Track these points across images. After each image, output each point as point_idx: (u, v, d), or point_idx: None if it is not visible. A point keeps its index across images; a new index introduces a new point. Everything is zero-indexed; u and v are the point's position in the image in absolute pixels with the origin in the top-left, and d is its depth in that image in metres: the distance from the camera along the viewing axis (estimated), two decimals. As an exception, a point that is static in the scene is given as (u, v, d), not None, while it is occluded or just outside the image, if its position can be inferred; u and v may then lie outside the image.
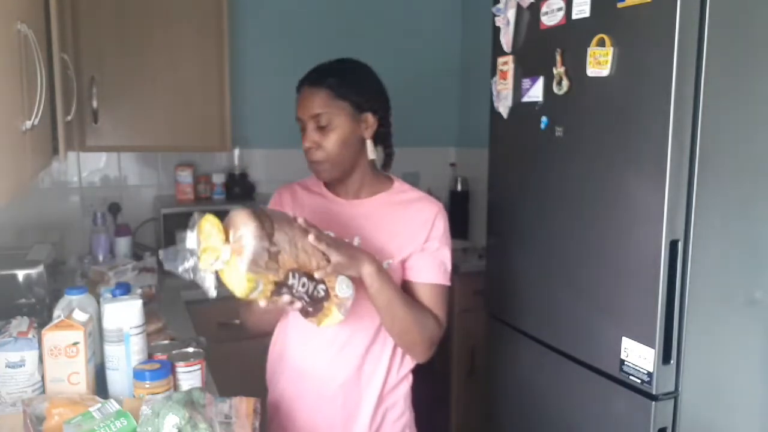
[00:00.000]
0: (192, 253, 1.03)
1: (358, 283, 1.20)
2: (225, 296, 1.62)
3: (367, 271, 1.20)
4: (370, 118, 1.31)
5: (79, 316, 1.20)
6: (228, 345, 2.13)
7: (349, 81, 1.31)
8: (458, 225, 3.15)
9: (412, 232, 1.34)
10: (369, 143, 1.33)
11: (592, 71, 1.53)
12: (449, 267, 1.36)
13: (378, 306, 1.25)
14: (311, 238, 1.10)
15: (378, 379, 1.36)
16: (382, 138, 1.37)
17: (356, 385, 1.35)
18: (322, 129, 1.28)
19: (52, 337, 1.15)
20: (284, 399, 1.41)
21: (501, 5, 1.85)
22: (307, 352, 1.37)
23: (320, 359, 1.36)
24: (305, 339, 1.38)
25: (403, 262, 1.33)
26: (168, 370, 1.17)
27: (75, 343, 1.16)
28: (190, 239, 1.04)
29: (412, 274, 1.34)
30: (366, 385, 1.36)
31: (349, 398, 1.35)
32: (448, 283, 1.36)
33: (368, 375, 1.35)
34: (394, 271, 1.32)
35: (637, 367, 1.47)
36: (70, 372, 1.16)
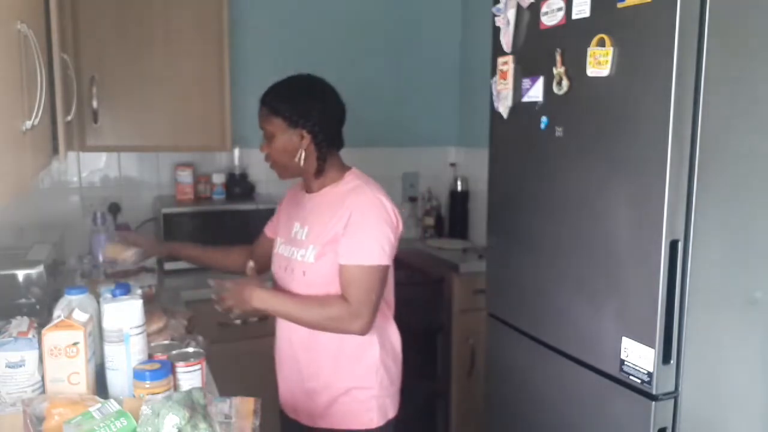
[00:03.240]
0: None
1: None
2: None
3: (256, 302, 1.49)
4: (304, 134, 1.51)
5: (79, 316, 1.20)
6: (228, 345, 2.13)
7: (283, 100, 1.52)
8: (458, 225, 3.16)
9: (336, 220, 1.50)
10: (300, 153, 1.52)
11: (592, 71, 1.53)
12: (373, 247, 1.47)
13: (282, 318, 1.56)
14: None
15: (333, 344, 1.53)
16: (318, 148, 1.53)
17: (313, 348, 1.56)
18: (268, 140, 1.55)
19: (52, 337, 1.15)
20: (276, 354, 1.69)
21: (501, 5, 1.85)
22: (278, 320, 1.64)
23: (282, 324, 1.62)
24: None
25: (331, 246, 1.50)
26: (168, 370, 1.17)
27: (75, 343, 1.16)
28: None
29: (338, 259, 1.49)
30: (323, 349, 1.55)
31: (309, 361, 1.57)
32: (365, 262, 1.46)
33: (324, 341, 1.54)
34: (321, 256, 1.51)
35: (637, 367, 1.47)
36: (70, 372, 1.16)
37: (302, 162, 1.53)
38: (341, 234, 1.49)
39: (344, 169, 1.60)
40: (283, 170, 1.58)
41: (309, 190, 1.61)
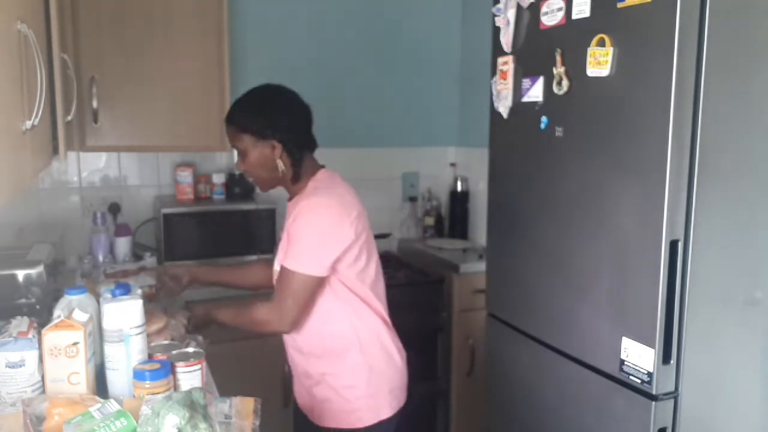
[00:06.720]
0: None
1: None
2: (224, 296, 1.64)
3: (211, 318, 1.62)
4: (275, 143, 1.55)
5: (79, 316, 1.20)
6: (228, 345, 2.13)
7: (247, 115, 1.55)
8: (458, 225, 3.15)
9: (288, 226, 1.56)
10: (279, 163, 1.56)
11: (592, 71, 1.53)
12: (300, 252, 1.51)
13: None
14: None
15: (312, 343, 1.62)
16: (291, 155, 1.57)
17: (301, 348, 1.65)
18: (242, 157, 1.58)
19: (52, 337, 1.15)
20: None
21: (501, 5, 1.85)
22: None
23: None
24: None
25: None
26: (168, 370, 1.17)
27: (75, 343, 1.16)
28: None
29: None
30: (308, 349, 1.64)
31: (301, 360, 1.66)
32: (290, 267, 1.51)
33: (304, 341, 1.64)
34: (281, 263, 1.57)
35: (637, 367, 1.47)
36: (70, 372, 1.16)
37: (280, 172, 1.57)
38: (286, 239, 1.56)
39: (315, 171, 1.61)
40: (263, 183, 1.63)
41: (290, 198, 1.64)
